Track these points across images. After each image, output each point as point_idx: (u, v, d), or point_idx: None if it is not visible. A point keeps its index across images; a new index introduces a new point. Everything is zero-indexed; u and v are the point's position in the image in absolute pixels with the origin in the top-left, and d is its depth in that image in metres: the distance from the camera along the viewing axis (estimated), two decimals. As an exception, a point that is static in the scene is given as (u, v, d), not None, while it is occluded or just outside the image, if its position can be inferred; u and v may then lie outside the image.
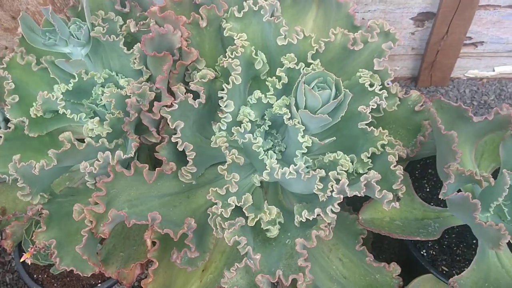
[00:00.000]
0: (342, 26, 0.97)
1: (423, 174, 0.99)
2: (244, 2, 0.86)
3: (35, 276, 1.06)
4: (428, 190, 0.98)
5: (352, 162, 0.81)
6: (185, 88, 0.80)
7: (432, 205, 0.90)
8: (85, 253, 0.75)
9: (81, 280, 1.05)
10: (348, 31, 0.89)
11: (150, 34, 0.76)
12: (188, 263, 0.81)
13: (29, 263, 0.89)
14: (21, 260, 0.87)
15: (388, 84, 0.93)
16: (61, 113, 0.83)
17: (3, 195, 0.99)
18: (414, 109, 0.91)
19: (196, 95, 0.79)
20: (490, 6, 1.09)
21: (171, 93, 0.78)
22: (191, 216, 0.85)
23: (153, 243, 0.83)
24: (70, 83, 0.86)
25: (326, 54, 0.88)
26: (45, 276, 1.06)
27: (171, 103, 0.75)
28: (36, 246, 0.79)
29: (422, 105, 0.90)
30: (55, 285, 1.04)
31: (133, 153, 0.76)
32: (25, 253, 0.95)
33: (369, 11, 1.13)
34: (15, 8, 0.97)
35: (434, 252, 0.90)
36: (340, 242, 0.91)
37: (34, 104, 0.87)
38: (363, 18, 1.15)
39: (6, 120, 1.16)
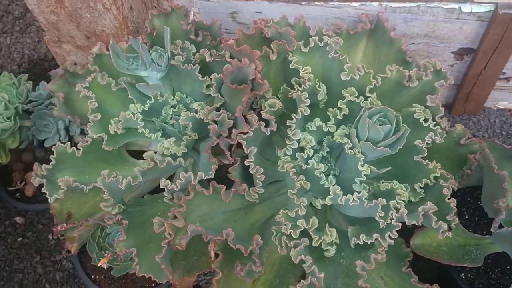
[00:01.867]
0: (393, 60, 1.05)
1: (462, 202, 1.07)
2: (310, 38, 0.94)
3: (92, 276, 1.13)
4: (467, 217, 1.05)
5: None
6: (257, 116, 0.88)
7: (470, 231, 0.98)
8: (163, 263, 0.82)
9: (136, 283, 1.12)
10: (401, 67, 0.97)
11: (231, 67, 0.83)
12: (248, 275, 0.89)
13: (105, 267, 0.96)
14: (99, 264, 0.94)
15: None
16: (140, 132, 0.91)
17: (70, 201, 1.07)
18: (459, 142, 0.99)
19: (266, 123, 0.87)
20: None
21: (245, 119, 0.86)
22: (249, 231, 0.93)
23: (216, 255, 0.91)
24: (147, 103, 0.94)
25: (380, 88, 0.95)
26: (102, 277, 1.13)
27: (247, 130, 0.83)
28: (114, 253, 0.87)
29: (467, 139, 0.98)
30: (111, 286, 1.12)
31: (213, 174, 0.83)
32: (91, 255, 1.03)
33: (413, 43, 1.21)
34: (91, 29, 1.05)
35: (471, 276, 0.98)
36: (384, 262, 0.99)
37: (111, 121, 0.95)
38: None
39: (67, 129, 1.24)
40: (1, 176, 1.29)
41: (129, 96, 0.95)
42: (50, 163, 0.94)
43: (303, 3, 1.14)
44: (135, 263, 0.84)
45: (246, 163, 0.84)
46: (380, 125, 0.85)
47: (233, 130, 0.83)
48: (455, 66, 1.26)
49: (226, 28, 1.26)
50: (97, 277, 1.13)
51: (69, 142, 0.96)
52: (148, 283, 1.13)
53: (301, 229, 0.81)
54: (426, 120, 0.90)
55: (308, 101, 0.87)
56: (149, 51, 0.91)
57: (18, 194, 1.28)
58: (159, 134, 0.92)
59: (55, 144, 1.23)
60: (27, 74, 1.11)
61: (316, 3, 1.13)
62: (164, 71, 0.93)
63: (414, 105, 0.94)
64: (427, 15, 1.12)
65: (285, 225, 0.82)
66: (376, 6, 1.11)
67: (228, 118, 0.85)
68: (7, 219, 1.38)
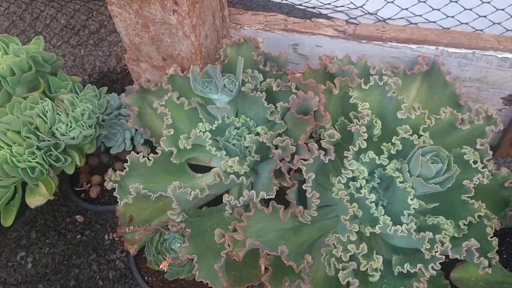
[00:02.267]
0: (446, 102, 1.11)
1: (502, 241, 1.11)
2: (370, 77, 1.02)
3: (145, 278, 1.22)
4: (505, 256, 1.09)
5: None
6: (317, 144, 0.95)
7: (508, 270, 1.02)
8: (221, 271, 0.90)
9: (185, 288, 1.21)
10: (454, 110, 1.03)
11: (297, 99, 0.92)
12: (294, 291, 0.96)
13: (166, 270, 1.05)
14: (161, 267, 1.03)
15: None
16: (207, 149, 1.00)
17: (133, 206, 1.17)
18: (504, 184, 1.04)
19: (325, 151, 0.94)
20: None
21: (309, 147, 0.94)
22: (297, 249, 1.00)
23: (266, 269, 0.99)
24: (214, 123, 1.03)
25: (433, 128, 1.02)
26: (154, 279, 1.22)
27: (308, 157, 0.90)
28: (177, 257, 0.96)
29: (511, 183, 1.03)
30: (162, 288, 1.21)
31: (273, 195, 0.91)
32: (148, 258, 1.13)
33: (464, 86, 1.26)
34: (168, 52, 1.15)
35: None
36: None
37: (181, 137, 1.04)
38: (458, 91, 1.28)
39: (132, 139, 1.35)
40: (69, 176, 1.41)
41: (199, 116, 1.05)
42: (124, 170, 1.04)
43: (363, 41, 1.22)
44: (195, 269, 0.92)
45: (304, 187, 0.92)
46: (432, 163, 0.91)
47: (295, 156, 0.91)
48: (503, 110, 1.31)
49: (287, 59, 1.35)
50: (150, 278, 1.22)
51: (141, 153, 1.06)
52: (196, 289, 1.21)
53: (351, 253, 0.88)
54: (475, 162, 0.96)
55: (365, 135, 0.94)
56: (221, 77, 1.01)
57: (83, 194, 1.39)
58: (224, 152, 1.01)
59: (121, 152, 1.36)
60: (106, 87, 1.22)
61: (375, 42, 1.21)
62: (233, 96, 1.03)
63: (464, 146, 1.00)
64: (481, 62, 1.18)
65: (336, 247, 0.89)
66: (433, 49, 1.18)
67: (291, 145, 0.93)
68: (68, 217, 1.50)
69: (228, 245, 0.90)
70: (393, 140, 0.98)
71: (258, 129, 1.02)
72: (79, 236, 1.46)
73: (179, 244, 1.02)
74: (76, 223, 1.49)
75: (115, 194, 1.05)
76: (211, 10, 1.15)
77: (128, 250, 1.16)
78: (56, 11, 1.79)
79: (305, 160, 0.91)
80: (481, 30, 1.23)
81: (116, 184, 1.05)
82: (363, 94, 1.02)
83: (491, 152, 1.00)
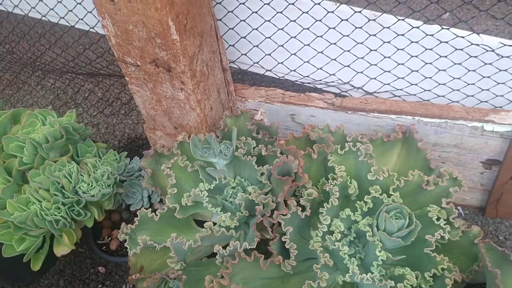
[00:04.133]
0: (420, 166, 1.24)
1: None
2: (346, 143, 1.17)
3: (153, 323, 1.35)
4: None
5: (417, 277, 1.04)
6: (296, 201, 1.10)
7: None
8: (209, 312, 1.03)
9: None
10: (423, 173, 1.16)
11: (279, 162, 1.08)
12: (278, 335, 1.07)
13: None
14: None
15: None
16: (204, 206, 1.16)
17: (144, 257, 1.32)
18: (474, 241, 1.13)
19: (303, 208, 1.08)
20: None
21: (285, 203, 1.08)
22: (284, 298, 1.12)
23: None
24: (212, 183, 1.20)
25: (404, 188, 1.14)
26: (161, 325, 1.35)
27: (286, 213, 1.05)
28: (173, 301, 1.10)
29: (480, 239, 1.13)
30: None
31: (255, 245, 1.05)
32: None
33: (444, 151, 1.39)
34: (178, 122, 1.35)
35: None
36: None
37: (184, 195, 1.21)
38: (439, 156, 1.41)
39: (149, 198, 1.53)
40: (93, 231, 1.59)
41: (200, 177, 1.22)
42: (134, 224, 1.21)
43: (349, 112, 1.38)
44: (188, 310, 1.06)
45: (283, 239, 1.06)
46: (396, 219, 1.04)
47: (275, 212, 1.05)
48: (485, 173, 1.41)
49: (286, 126, 1.52)
50: (157, 324, 1.35)
51: (150, 209, 1.23)
52: (198, 335, 1.32)
53: (321, 298, 0.99)
54: (438, 219, 1.07)
55: (337, 194, 1.08)
56: (219, 143, 1.19)
57: (104, 247, 1.56)
58: (219, 209, 1.17)
59: (139, 209, 1.54)
60: (126, 152, 1.42)
61: (359, 113, 1.37)
62: (229, 160, 1.20)
63: (430, 205, 1.11)
64: (454, 130, 1.31)
65: (308, 292, 1.01)
66: (410, 119, 1.32)
67: (272, 202, 1.07)
68: (92, 267, 1.66)
69: (216, 289, 1.03)
70: (365, 199, 1.11)
71: (249, 188, 1.18)
72: (101, 286, 1.62)
73: (179, 290, 1.16)
74: (98, 273, 1.65)
75: (125, 245, 1.21)
76: (215, 87, 1.35)
77: (138, 296, 1.30)
78: (94, 86, 2.06)
79: (283, 215, 1.05)
80: (457, 102, 1.37)
81: (127, 236, 1.22)
82: (340, 158, 1.17)
83: (456, 211, 1.11)
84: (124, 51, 1.20)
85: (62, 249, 1.32)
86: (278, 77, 1.52)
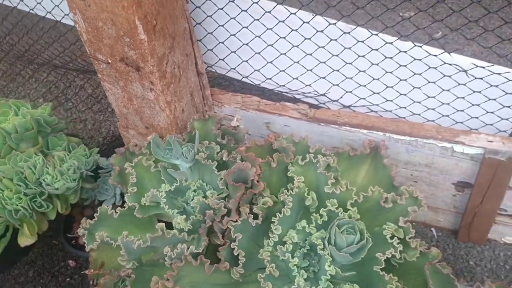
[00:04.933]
0: (385, 182, 1.22)
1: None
2: (307, 154, 1.16)
3: (109, 321, 1.35)
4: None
5: (365, 295, 1.02)
6: (250, 209, 1.09)
7: None
8: (151, 314, 1.02)
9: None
10: (387, 190, 1.14)
11: (234, 168, 1.07)
12: None
13: (112, 310, 1.18)
14: None
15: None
16: (161, 206, 1.16)
17: (105, 253, 1.32)
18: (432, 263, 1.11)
19: (255, 216, 1.07)
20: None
21: (240, 211, 1.08)
22: (234, 305, 1.10)
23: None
24: (173, 185, 1.19)
25: (363, 204, 1.13)
26: (117, 324, 1.34)
27: (236, 219, 1.04)
28: (120, 299, 1.09)
29: (437, 261, 1.10)
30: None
31: (201, 250, 1.05)
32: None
33: (416, 170, 1.37)
34: (149, 122, 1.36)
35: None
36: None
37: (145, 195, 1.21)
38: (411, 174, 1.39)
39: (122, 195, 1.54)
40: (64, 225, 1.60)
41: (162, 177, 1.22)
42: (93, 220, 1.22)
43: (322, 124, 1.37)
44: (131, 309, 1.05)
45: (231, 246, 1.05)
46: (347, 234, 1.02)
47: (225, 218, 1.05)
48: (457, 196, 1.39)
49: (261, 134, 1.52)
50: (113, 322, 1.34)
51: (111, 206, 1.23)
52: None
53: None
54: (391, 237, 1.05)
55: (291, 204, 1.07)
56: (182, 146, 1.19)
57: (73, 241, 1.57)
58: (176, 210, 1.16)
59: (111, 205, 1.55)
60: (97, 148, 1.43)
61: (331, 125, 1.36)
62: (191, 163, 1.19)
63: (387, 223, 1.09)
64: (425, 149, 1.29)
65: (250, 301, 0.99)
66: (380, 135, 1.31)
67: (224, 207, 1.07)
68: (63, 261, 1.67)
69: (161, 291, 1.02)
70: (320, 212, 1.10)
71: (208, 193, 1.17)
72: (68, 279, 1.62)
73: (131, 290, 1.15)
74: (68, 267, 1.65)
75: (83, 239, 1.22)
76: (188, 89, 1.35)
77: (95, 292, 1.30)
78: (84, 82, 2.09)
79: (233, 221, 1.04)
80: (433, 121, 1.35)
81: (86, 231, 1.22)
82: (302, 169, 1.16)
83: (413, 231, 1.09)
84: (95, 47, 1.21)
85: (25, 239, 1.32)
86: (255, 84, 1.52)
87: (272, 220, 1.07)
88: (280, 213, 1.07)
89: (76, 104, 2.06)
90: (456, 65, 1.17)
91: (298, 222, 1.12)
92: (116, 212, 1.22)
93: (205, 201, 1.12)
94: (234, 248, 1.04)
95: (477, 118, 1.28)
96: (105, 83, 1.31)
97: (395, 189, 1.19)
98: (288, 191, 1.10)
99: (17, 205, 1.21)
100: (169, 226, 1.27)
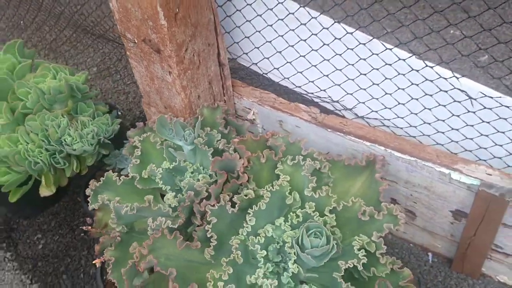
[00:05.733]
0: (375, 196, 1.23)
1: None
2: (297, 156, 1.20)
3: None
4: None
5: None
6: (231, 198, 1.15)
7: None
8: (125, 275, 1.12)
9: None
10: (374, 204, 1.16)
11: (220, 158, 1.14)
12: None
13: (97, 266, 1.29)
14: (93, 262, 1.28)
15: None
16: (156, 182, 1.25)
17: (109, 215, 1.44)
18: (399, 283, 1.11)
19: (233, 205, 1.13)
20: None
21: (220, 197, 1.14)
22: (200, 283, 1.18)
23: (173, 291, 1.17)
24: (172, 164, 1.28)
25: (344, 213, 1.15)
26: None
27: (214, 204, 1.11)
28: (104, 257, 1.20)
29: (406, 281, 1.11)
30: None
31: (176, 226, 1.12)
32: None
33: (416, 191, 1.36)
34: (167, 103, 1.45)
35: None
36: None
37: (146, 168, 1.30)
38: (411, 195, 1.38)
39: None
40: (86, 185, 1.74)
41: (164, 155, 1.31)
42: (99, 183, 1.33)
43: (328, 130, 1.40)
44: (109, 268, 1.15)
45: (206, 228, 1.11)
46: (314, 237, 1.06)
47: (204, 201, 1.12)
48: (454, 224, 1.36)
49: (275, 131, 1.56)
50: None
51: (117, 173, 1.34)
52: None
53: (218, 288, 1.04)
54: (359, 249, 1.07)
55: (268, 199, 1.11)
56: (184, 130, 1.27)
57: (91, 200, 1.71)
58: (169, 187, 1.25)
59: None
60: (119, 120, 1.55)
61: (337, 133, 1.38)
62: (192, 146, 1.27)
63: (360, 235, 1.11)
64: (424, 171, 1.28)
65: (209, 281, 1.06)
66: (382, 150, 1.31)
67: (206, 191, 1.14)
68: (82, 217, 1.82)
69: (136, 256, 1.12)
70: (297, 212, 1.14)
71: (200, 176, 1.25)
72: (83, 234, 1.77)
73: (118, 251, 1.26)
74: (85, 223, 1.80)
75: (88, 199, 1.34)
76: (207, 78, 1.43)
77: (95, 250, 1.42)
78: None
79: (211, 205, 1.11)
80: (442, 145, 1.34)
81: (92, 192, 1.34)
82: (290, 169, 1.20)
83: (385, 247, 1.09)
84: (125, 27, 1.31)
85: (43, 190, 1.47)
86: (275, 80, 1.57)
87: (248, 211, 1.12)
88: (256, 206, 1.12)
89: (123, 76, 2.21)
90: (464, 91, 1.15)
91: (278, 219, 1.17)
92: (120, 179, 1.32)
93: (194, 183, 1.20)
94: (208, 230, 1.11)
95: (485, 149, 1.26)
96: (132, 60, 1.42)
97: (378, 204, 1.20)
98: (269, 187, 1.14)
99: (37, 158, 1.35)
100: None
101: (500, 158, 1.25)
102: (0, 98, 1.46)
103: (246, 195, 1.15)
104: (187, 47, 1.29)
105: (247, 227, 1.13)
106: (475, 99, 1.17)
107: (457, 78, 1.14)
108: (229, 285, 1.05)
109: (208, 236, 1.11)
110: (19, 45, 1.57)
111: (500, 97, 1.12)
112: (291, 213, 1.15)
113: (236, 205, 1.12)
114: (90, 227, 1.35)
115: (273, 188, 1.14)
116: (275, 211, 1.18)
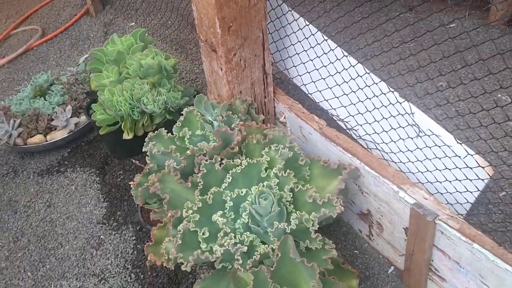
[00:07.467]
0: (342, 193, 1.55)
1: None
2: (279, 145, 1.58)
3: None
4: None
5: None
6: (222, 160, 1.58)
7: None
8: (140, 193, 1.62)
9: (154, 222, 1.92)
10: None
11: (222, 130, 1.58)
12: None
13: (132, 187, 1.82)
14: (130, 183, 1.80)
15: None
16: (185, 140, 1.74)
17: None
18: (323, 257, 1.42)
19: (220, 164, 1.56)
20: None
21: (214, 157, 1.58)
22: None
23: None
24: (201, 132, 1.75)
25: (299, 195, 1.50)
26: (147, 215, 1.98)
27: (207, 159, 1.55)
28: (135, 181, 1.72)
29: (328, 257, 1.41)
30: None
31: (179, 167, 1.59)
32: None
33: (381, 205, 1.62)
34: (219, 92, 1.93)
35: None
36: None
37: (184, 130, 1.80)
38: (378, 208, 1.65)
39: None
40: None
41: (198, 125, 1.79)
42: (152, 135, 1.86)
43: (327, 139, 1.74)
44: (133, 188, 1.67)
45: (198, 175, 1.56)
46: (264, 200, 1.44)
47: (201, 156, 1.56)
48: (406, 241, 1.59)
49: (297, 135, 1.95)
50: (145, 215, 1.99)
51: (167, 130, 1.85)
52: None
53: (187, 214, 1.48)
54: (294, 219, 1.41)
55: (244, 166, 1.52)
56: (214, 109, 1.73)
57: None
58: (191, 146, 1.72)
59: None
60: (188, 98, 2.08)
61: (332, 143, 1.72)
62: (217, 122, 1.73)
63: (303, 212, 1.45)
64: (384, 187, 1.55)
65: (185, 208, 1.50)
66: (358, 163, 1.62)
67: (205, 150, 1.58)
68: (128, 165, 2.39)
69: (151, 182, 1.61)
70: (264, 183, 1.52)
71: (212, 142, 1.70)
72: (127, 181, 2.33)
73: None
74: (131, 166, 2.37)
75: (144, 146, 1.88)
76: (250, 80, 1.88)
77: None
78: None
79: (205, 161, 1.55)
80: (432, 183, 1.59)
81: (148, 140, 1.88)
82: (273, 153, 1.58)
83: (317, 225, 1.42)
84: (200, 30, 1.83)
85: (125, 134, 2.06)
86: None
87: (228, 171, 1.54)
88: (236, 169, 1.53)
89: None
90: (417, 125, 1.42)
91: (253, 187, 1.56)
92: (167, 135, 1.84)
93: (205, 144, 1.65)
94: (198, 177, 1.55)
95: (460, 192, 1.49)
96: (202, 55, 1.93)
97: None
98: (250, 160, 1.55)
99: (121, 107, 1.94)
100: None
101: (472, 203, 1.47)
102: (116, 64, 2.09)
103: (233, 161, 1.57)
104: (235, 52, 1.76)
105: (225, 183, 1.54)
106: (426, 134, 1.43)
107: (412, 114, 1.42)
108: (196, 213, 1.48)
109: (197, 181, 1.56)
110: (141, 33, 2.20)
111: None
112: (261, 184, 1.53)
113: (222, 165, 1.55)
114: (138, 162, 1.88)
115: (251, 161, 1.54)
116: (254, 180, 1.57)
